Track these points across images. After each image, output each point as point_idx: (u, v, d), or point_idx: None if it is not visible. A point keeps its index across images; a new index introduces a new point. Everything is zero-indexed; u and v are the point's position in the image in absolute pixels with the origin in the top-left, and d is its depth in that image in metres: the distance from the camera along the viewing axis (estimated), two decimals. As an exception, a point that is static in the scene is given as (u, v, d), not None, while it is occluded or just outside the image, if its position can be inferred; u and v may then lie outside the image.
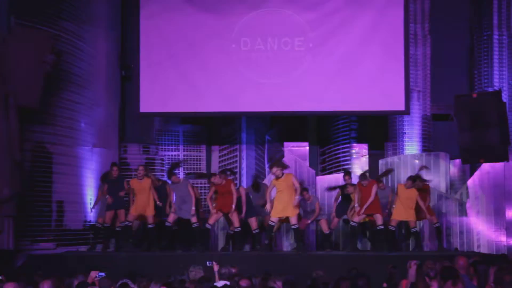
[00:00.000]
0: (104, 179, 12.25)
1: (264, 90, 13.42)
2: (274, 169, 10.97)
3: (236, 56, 13.43)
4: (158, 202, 11.62)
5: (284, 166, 11.08)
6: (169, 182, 12.12)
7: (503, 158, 12.26)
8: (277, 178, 10.98)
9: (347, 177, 11.92)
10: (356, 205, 11.53)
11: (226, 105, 13.44)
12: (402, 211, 11.48)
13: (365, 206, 11.39)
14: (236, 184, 11.99)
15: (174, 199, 11.80)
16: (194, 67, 13.41)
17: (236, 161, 15.34)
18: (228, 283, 7.41)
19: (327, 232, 12.00)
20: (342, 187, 11.91)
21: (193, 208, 11.50)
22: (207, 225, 11.59)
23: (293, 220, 11.14)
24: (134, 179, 11.77)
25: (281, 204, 11.01)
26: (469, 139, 12.13)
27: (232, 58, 13.43)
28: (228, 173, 12.05)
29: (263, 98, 13.45)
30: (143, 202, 11.60)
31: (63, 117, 12.85)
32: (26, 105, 11.38)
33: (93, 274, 7.87)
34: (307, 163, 14.85)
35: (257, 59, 13.43)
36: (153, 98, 13.39)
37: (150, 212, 11.62)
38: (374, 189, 11.43)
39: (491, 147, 12.00)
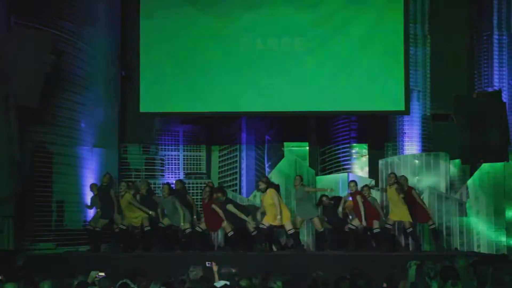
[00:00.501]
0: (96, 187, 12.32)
1: (264, 90, 13.42)
2: (259, 184, 11.44)
3: (236, 56, 13.42)
4: (150, 213, 11.69)
5: (267, 182, 11.42)
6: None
7: (503, 158, 12.26)
8: (262, 192, 11.32)
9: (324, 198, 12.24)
10: (350, 217, 11.70)
11: (226, 105, 13.43)
12: (394, 211, 11.58)
13: (363, 219, 11.47)
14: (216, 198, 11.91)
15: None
16: (194, 67, 13.40)
17: (236, 161, 15.33)
18: (228, 283, 7.42)
19: (321, 230, 11.99)
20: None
21: (182, 224, 11.60)
22: (197, 228, 11.62)
23: (288, 226, 11.26)
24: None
25: (271, 215, 11.19)
26: (469, 139, 12.14)
27: (232, 58, 13.42)
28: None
29: (263, 98, 13.44)
30: (132, 215, 11.76)
31: (63, 117, 12.86)
32: (26, 105, 11.40)
33: (93, 274, 7.87)
34: (307, 163, 14.86)
35: (257, 59, 13.42)
36: (153, 98, 13.39)
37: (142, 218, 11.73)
38: (359, 200, 11.53)
39: (491, 147, 12.00)
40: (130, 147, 15.04)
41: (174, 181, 12.96)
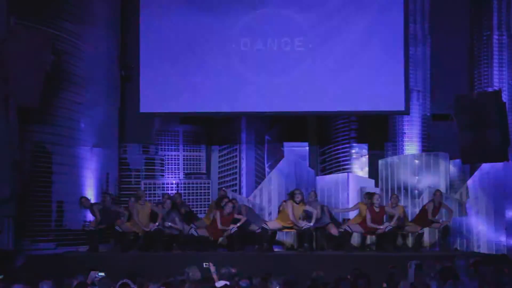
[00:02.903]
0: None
1: (264, 90, 13.42)
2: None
3: (236, 56, 13.43)
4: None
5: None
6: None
7: (503, 158, 12.24)
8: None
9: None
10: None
11: (226, 105, 13.43)
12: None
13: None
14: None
15: None
16: (194, 67, 13.39)
17: (236, 161, 15.31)
18: (228, 283, 7.42)
19: (337, 234, 12.08)
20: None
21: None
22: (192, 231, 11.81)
23: (301, 223, 11.44)
24: (135, 203, 12.14)
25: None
26: (469, 139, 12.12)
27: (232, 58, 13.42)
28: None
29: (263, 98, 13.44)
30: (143, 223, 12.01)
31: (63, 117, 12.84)
32: (26, 105, 11.35)
33: (93, 274, 7.87)
34: (307, 163, 14.86)
35: (257, 59, 13.42)
36: (153, 98, 13.37)
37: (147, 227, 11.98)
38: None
39: (491, 147, 11.98)
40: (130, 147, 14.98)
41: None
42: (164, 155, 15.29)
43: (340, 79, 13.42)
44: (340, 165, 15.09)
